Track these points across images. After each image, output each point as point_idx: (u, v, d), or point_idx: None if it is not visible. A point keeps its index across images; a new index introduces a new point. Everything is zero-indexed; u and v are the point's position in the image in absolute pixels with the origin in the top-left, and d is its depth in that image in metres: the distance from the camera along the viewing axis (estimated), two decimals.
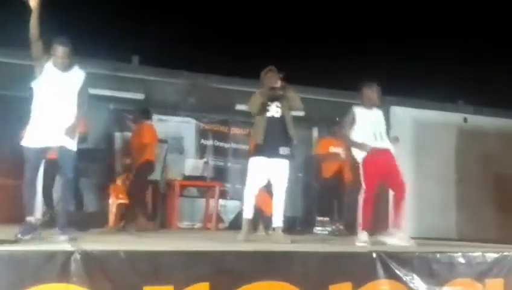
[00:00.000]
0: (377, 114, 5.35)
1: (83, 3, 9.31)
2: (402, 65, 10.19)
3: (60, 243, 3.81)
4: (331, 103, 8.40)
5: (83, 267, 3.09)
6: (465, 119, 8.96)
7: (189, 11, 10.64)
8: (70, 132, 4.10)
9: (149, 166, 6.86)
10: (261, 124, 5.06)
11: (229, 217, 8.51)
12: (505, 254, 4.43)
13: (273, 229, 5.18)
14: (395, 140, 5.29)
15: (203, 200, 8.22)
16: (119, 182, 6.91)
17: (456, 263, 4.23)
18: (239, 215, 6.52)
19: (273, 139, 5.00)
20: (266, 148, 4.99)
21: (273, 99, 5.07)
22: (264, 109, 5.04)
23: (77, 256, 3.10)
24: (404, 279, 3.99)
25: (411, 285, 3.99)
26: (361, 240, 4.92)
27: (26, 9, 4.04)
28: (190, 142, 9.15)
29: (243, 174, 5.21)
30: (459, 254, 4.29)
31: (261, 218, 7.09)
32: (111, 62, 7.68)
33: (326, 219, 7.57)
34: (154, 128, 7.17)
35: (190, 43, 9.98)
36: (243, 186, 5.26)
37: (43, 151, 4.18)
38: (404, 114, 8.36)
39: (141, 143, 6.78)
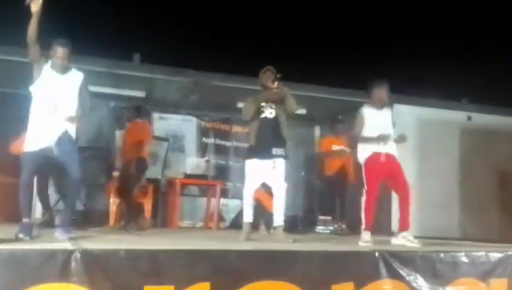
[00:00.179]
0: (386, 115, 5.29)
1: (84, 2, 9.30)
2: (406, 63, 10.16)
3: (61, 241, 3.79)
4: (333, 101, 8.37)
5: (83, 267, 3.07)
6: (469, 118, 8.92)
7: (191, 9, 10.62)
8: (72, 120, 4.09)
9: (141, 164, 6.80)
10: (254, 125, 5.07)
11: (230, 216, 8.48)
12: (509, 253, 4.40)
13: (274, 228, 5.20)
14: (402, 138, 5.23)
15: (204, 199, 8.19)
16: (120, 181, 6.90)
17: (459, 263, 4.20)
18: (240, 214, 6.50)
19: (266, 141, 5.01)
20: (259, 150, 5.01)
21: (268, 100, 5.06)
22: (258, 112, 5.04)
23: (77, 255, 3.08)
24: (407, 279, 3.95)
25: (414, 285, 3.96)
26: (364, 240, 4.89)
27: (28, 9, 3.99)
28: (191, 141, 9.13)
29: (244, 172, 5.19)
30: (463, 253, 4.25)
31: (263, 217, 7.07)
32: (112, 60, 7.66)
33: (329, 217, 7.54)
34: (148, 126, 7.12)
35: (191, 41, 9.96)
36: (244, 185, 5.24)
37: (43, 153, 4.11)
38: (408, 112, 8.30)
39: (134, 141, 6.73)
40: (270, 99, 5.06)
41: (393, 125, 5.29)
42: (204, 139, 9.21)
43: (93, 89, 5.20)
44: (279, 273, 3.57)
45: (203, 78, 7.70)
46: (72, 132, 4.16)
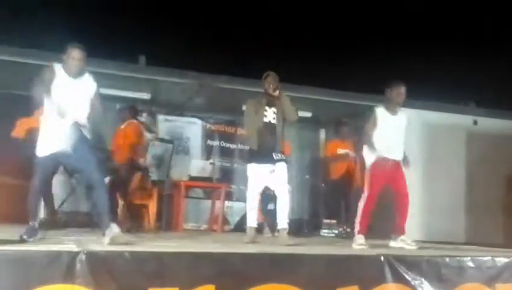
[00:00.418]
0: (399, 121, 5.25)
1: (90, 4, 9.33)
2: (411, 66, 10.14)
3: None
4: (339, 104, 8.34)
5: (88, 268, 3.08)
6: (475, 122, 8.88)
7: (196, 12, 10.64)
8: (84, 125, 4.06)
9: (133, 166, 6.74)
10: (257, 129, 5.07)
11: (234, 218, 8.47)
12: None
13: (278, 231, 5.19)
14: (405, 162, 5.20)
15: (209, 201, 8.18)
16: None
17: (465, 267, 4.18)
18: (245, 217, 6.49)
19: (268, 146, 5.02)
20: (260, 154, 5.02)
21: (271, 105, 5.07)
22: (260, 117, 5.04)
23: (82, 256, 3.08)
24: (413, 283, 3.93)
25: (419, 289, 3.94)
26: (359, 243, 4.91)
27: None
28: (196, 143, 9.14)
29: (247, 179, 5.21)
30: (469, 258, 4.23)
31: (267, 219, 7.06)
32: (117, 62, 7.67)
33: (333, 221, 7.52)
34: (141, 127, 7.09)
35: (197, 43, 9.98)
36: (247, 189, 5.27)
37: (57, 158, 4.06)
38: (414, 116, 8.28)
39: (127, 142, 6.69)
40: (274, 103, 5.07)
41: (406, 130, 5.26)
42: (209, 142, 9.21)
43: None
44: (283, 277, 3.56)
45: (208, 80, 7.70)
46: (86, 133, 4.13)
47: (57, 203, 6.54)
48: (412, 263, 4.00)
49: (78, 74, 4.08)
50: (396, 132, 5.17)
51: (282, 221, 5.08)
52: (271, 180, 5.08)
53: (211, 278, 3.35)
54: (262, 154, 5.00)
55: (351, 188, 7.43)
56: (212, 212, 7.92)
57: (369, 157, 5.16)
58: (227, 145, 9.28)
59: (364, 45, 11.01)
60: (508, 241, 6.88)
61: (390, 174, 5.09)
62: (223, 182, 8.22)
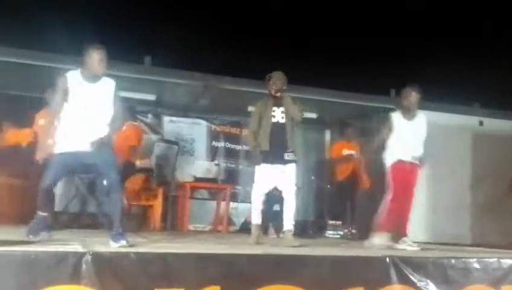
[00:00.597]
0: (418, 124, 5.27)
1: (96, 5, 9.36)
2: (417, 67, 10.10)
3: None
4: (344, 105, 8.33)
5: (94, 269, 3.08)
6: (481, 123, 8.84)
7: (202, 12, 10.65)
8: (99, 143, 3.99)
9: (128, 169, 6.70)
10: (265, 130, 5.03)
11: (239, 219, 8.48)
12: None
13: (283, 232, 5.18)
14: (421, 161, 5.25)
15: (214, 202, 8.19)
16: (130, 183, 6.91)
17: (471, 269, 4.15)
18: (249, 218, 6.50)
19: (278, 145, 4.99)
20: (271, 155, 4.98)
21: (279, 104, 5.05)
22: (268, 116, 5.02)
23: (88, 258, 3.09)
24: (418, 285, 3.91)
25: None
26: (378, 240, 4.98)
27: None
28: (201, 144, 9.16)
29: (254, 176, 5.17)
30: (475, 259, 4.21)
31: (272, 220, 7.06)
32: (123, 63, 7.69)
33: (339, 222, 7.52)
34: (140, 129, 7.07)
35: (202, 44, 9.98)
36: (253, 189, 5.22)
37: (75, 157, 4.02)
38: None
39: (124, 144, 6.65)
40: (281, 103, 5.05)
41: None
42: (214, 143, 9.23)
43: None
44: (288, 278, 3.56)
45: (213, 81, 7.70)
46: (107, 136, 4.08)
47: (61, 204, 6.55)
48: (418, 265, 3.98)
49: (97, 76, 4.04)
50: (413, 136, 5.22)
51: (288, 223, 5.05)
52: (279, 181, 5.05)
53: (217, 279, 3.35)
54: (274, 154, 4.97)
55: (357, 189, 7.43)
56: (217, 213, 7.93)
57: (389, 159, 5.23)
58: (232, 146, 9.30)
59: (369, 46, 10.99)
60: None
61: (406, 177, 5.18)
62: (228, 183, 8.24)
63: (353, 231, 7.26)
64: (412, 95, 5.24)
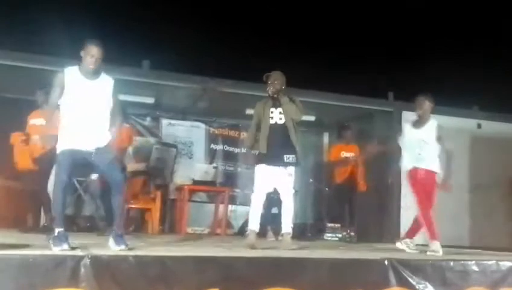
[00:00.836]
0: (427, 131, 5.29)
1: (93, 8, 9.37)
2: (415, 70, 10.13)
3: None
4: (342, 108, 8.34)
5: (92, 272, 3.08)
6: (479, 125, 8.86)
7: (200, 16, 10.66)
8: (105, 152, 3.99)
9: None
10: (264, 131, 4.96)
11: (238, 222, 8.48)
12: None
13: (282, 235, 5.12)
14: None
15: (212, 205, 8.19)
16: (128, 186, 6.90)
17: (469, 272, 4.16)
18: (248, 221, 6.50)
19: (277, 147, 4.91)
20: (271, 157, 4.90)
21: (277, 105, 4.99)
22: (266, 118, 4.98)
23: (87, 261, 3.09)
24: (417, 287, 3.91)
25: None
26: (432, 249, 4.96)
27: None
28: (200, 147, 9.16)
29: (252, 179, 5.12)
30: (473, 262, 4.21)
31: (271, 223, 7.05)
32: (121, 66, 7.70)
33: (337, 225, 7.52)
34: (132, 132, 7.06)
35: (200, 48, 9.99)
36: (253, 191, 5.12)
37: (81, 154, 3.98)
38: None
39: (119, 146, 6.62)
40: (279, 104, 5.00)
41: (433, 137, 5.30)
42: (212, 146, 9.24)
43: None
44: (287, 281, 3.56)
45: (211, 84, 7.71)
46: (107, 138, 4.07)
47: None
48: (417, 267, 3.98)
49: (95, 72, 4.02)
50: (422, 143, 5.25)
51: (287, 225, 5.01)
52: (279, 183, 4.99)
53: (215, 282, 3.35)
54: (274, 156, 4.89)
55: (355, 192, 7.43)
56: (216, 216, 7.93)
57: (405, 167, 5.33)
58: (231, 149, 9.30)
59: (368, 49, 11.02)
60: None
61: (422, 184, 5.21)
62: (227, 186, 8.23)
63: (352, 233, 7.26)
64: (426, 104, 5.31)
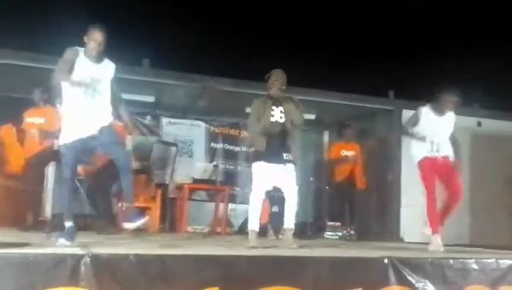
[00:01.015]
0: (447, 120, 5.30)
1: (93, 7, 9.37)
2: (415, 68, 10.13)
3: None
4: (342, 106, 8.34)
5: (92, 271, 3.08)
6: (479, 123, 8.86)
7: (200, 14, 10.66)
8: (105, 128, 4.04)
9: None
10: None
11: (238, 221, 8.49)
12: None
13: (284, 230, 5.04)
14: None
15: (212, 203, 8.19)
16: None
17: (469, 270, 4.15)
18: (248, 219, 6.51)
19: (277, 146, 4.89)
20: (269, 155, 4.87)
21: (278, 104, 4.96)
22: (267, 115, 4.94)
23: (87, 259, 3.09)
24: (417, 285, 3.91)
25: None
26: (436, 244, 4.96)
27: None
28: (200, 146, 9.17)
29: (252, 178, 5.09)
30: (473, 260, 4.21)
31: (271, 222, 7.06)
32: (121, 65, 7.68)
33: (338, 223, 7.52)
34: (126, 130, 7.05)
35: (200, 46, 9.99)
36: (252, 190, 5.03)
37: (84, 143, 4.02)
38: None
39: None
40: (280, 103, 4.97)
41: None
42: (212, 144, 9.24)
43: None
44: (287, 279, 3.56)
45: (212, 83, 7.71)
46: (109, 119, 4.12)
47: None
48: (416, 265, 3.98)
49: (98, 58, 4.08)
50: (442, 131, 5.24)
51: (289, 221, 4.92)
52: (280, 180, 4.94)
53: (216, 281, 3.35)
54: (272, 153, 4.86)
55: (356, 190, 7.44)
56: (216, 215, 7.93)
57: (417, 157, 5.25)
58: (231, 147, 9.31)
59: (368, 47, 11.01)
60: None
61: (441, 171, 5.18)
62: (227, 185, 8.23)
63: (352, 232, 7.27)
64: (450, 101, 5.29)
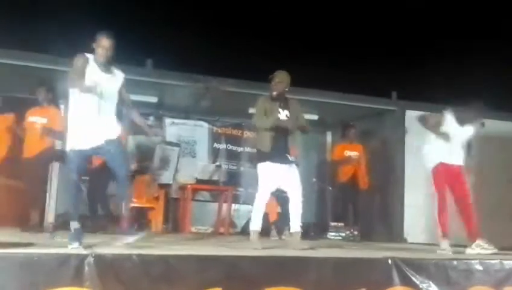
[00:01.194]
0: (467, 131, 5.40)
1: (96, 8, 9.38)
2: (418, 69, 10.11)
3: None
4: (345, 106, 8.33)
5: (96, 271, 3.09)
6: (483, 124, 8.81)
7: (203, 15, 10.67)
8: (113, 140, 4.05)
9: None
10: (268, 131, 4.91)
11: (241, 221, 8.48)
12: None
13: (291, 234, 5.04)
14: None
15: (215, 204, 8.19)
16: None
17: (473, 271, 4.16)
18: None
19: (281, 146, 4.90)
20: (274, 155, 4.86)
21: (284, 107, 4.96)
22: (274, 117, 4.93)
23: (91, 260, 3.10)
24: (421, 286, 3.92)
25: None
26: (442, 248, 5.04)
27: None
28: (203, 146, 9.16)
29: (256, 178, 5.08)
30: (477, 261, 4.21)
31: (274, 222, 7.05)
32: (124, 65, 7.69)
33: (341, 224, 7.52)
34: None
35: (204, 47, 9.99)
36: (256, 191, 5.05)
37: (87, 153, 4.08)
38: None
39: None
40: (287, 106, 4.97)
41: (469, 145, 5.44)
42: (215, 145, 9.23)
43: None
44: (291, 280, 3.56)
45: (215, 83, 7.71)
46: (118, 131, 4.14)
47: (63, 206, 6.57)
48: (420, 266, 3.98)
49: (107, 65, 4.08)
50: (459, 141, 5.34)
51: (295, 224, 4.90)
52: (284, 181, 4.94)
53: (219, 281, 3.35)
54: (277, 155, 4.86)
55: (359, 190, 7.43)
56: (219, 215, 7.93)
57: (430, 163, 5.32)
58: (234, 148, 9.30)
59: (371, 48, 11.00)
60: None
61: (451, 178, 5.26)
62: (230, 185, 8.23)
63: (355, 232, 7.26)
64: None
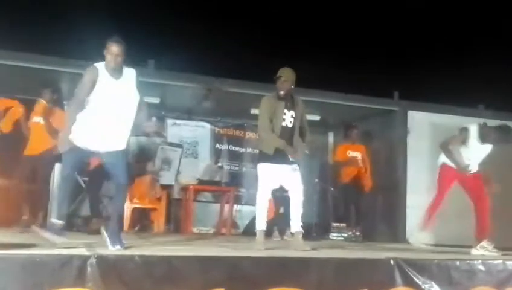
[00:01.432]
0: (485, 149, 5.50)
1: (98, 8, 9.40)
2: (420, 69, 10.10)
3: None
4: (347, 107, 8.33)
5: (98, 272, 3.09)
6: (485, 124, 8.79)
7: (205, 15, 10.67)
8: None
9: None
10: (275, 132, 4.87)
11: (243, 222, 8.49)
12: None
13: (292, 234, 5.03)
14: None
15: (217, 205, 8.20)
16: (134, 186, 6.92)
17: (476, 271, 4.15)
18: (254, 220, 6.51)
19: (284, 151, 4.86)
20: (276, 157, 4.84)
21: (289, 108, 4.92)
22: (279, 118, 4.90)
23: (93, 261, 3.10)
24: (423, 287, 3.91)
25: None
26: (419, 238, 5.24)
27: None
28: (205, 147, 9.17)
29: (258, 179, 5.08)
30: (479, 261, 4.20)
31: (276, 223, 7.05)
32: (127, 66, 7.71)
33: (343, 225, 7.51)
34: None
35: (205, 47, 10.00)
36: (258, 190, 5.01)
37: (90, 152, 4.06)
38: (422, 119, 8.25)
39: None
40: (292, 107, 4.93)
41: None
42: (218, 145, 9.24)
43: None
44: (293, 280, 3.56)
45: (216, 84, 7.72)
46: (125, 141, 4.08)
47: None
48: (422, 267, 3.98)
49: (119, 71, 4.01)
50: (478, 155, 5.48)
51: (297, 224, 4.88)
52: (286, 180, 4.93)
53: (221, 282, 3.35)
54: (278, 155, 4.82)
55: (361, 191, 7.42)
56: (221, 216, 7.93)
57: (440, 160, 5.46)
58: (236, 148, 9.30)
59: (372, 48, 10.99)
60: None
61: (466, 182, 5.42)
62: (232, 186, 8.24)
63: (357, 233, 7.26)
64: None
